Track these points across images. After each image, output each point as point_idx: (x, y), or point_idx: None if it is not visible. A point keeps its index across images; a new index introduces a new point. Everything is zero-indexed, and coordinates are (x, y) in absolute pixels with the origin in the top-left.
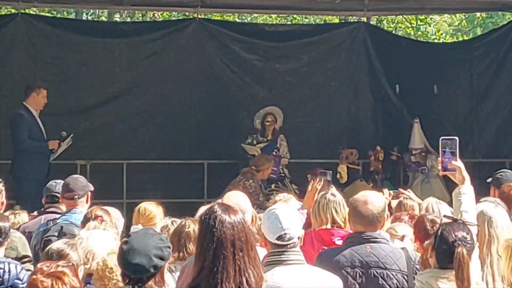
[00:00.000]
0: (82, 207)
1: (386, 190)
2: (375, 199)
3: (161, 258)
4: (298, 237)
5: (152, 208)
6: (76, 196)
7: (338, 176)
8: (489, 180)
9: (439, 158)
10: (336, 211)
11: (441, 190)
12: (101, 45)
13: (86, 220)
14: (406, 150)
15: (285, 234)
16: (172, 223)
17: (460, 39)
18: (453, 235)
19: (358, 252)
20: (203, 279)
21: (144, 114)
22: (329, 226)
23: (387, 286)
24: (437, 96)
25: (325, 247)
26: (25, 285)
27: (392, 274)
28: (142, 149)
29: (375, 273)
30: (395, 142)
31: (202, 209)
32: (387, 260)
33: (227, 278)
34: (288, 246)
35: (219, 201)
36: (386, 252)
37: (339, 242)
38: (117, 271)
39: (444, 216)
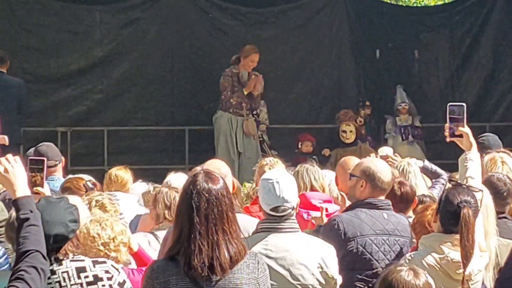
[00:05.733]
0: (59, 173)
1: (373, 154)
2: (388, 168)
3: (75, 221)
4: (293, 207)
5: (123, 174)
6: (54, 163)
7: (344, 135)
8: None
9: (446, 124)
10: (315, 178)
11: (420, 151)
12: (81, 12)
13: (69, 190)
14: (390, 113)
15: (279, 206)
16: (154, 189)
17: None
18: (458, 198)
19: (379, 220)
20: (180, 249)
21: (125, 80)
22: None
23: (403, 253)
24: (418, 61)
25: (303, 210)
26: (5, 266)
27: (406, 241)
28: (123, 116)
29: (394, 240)
30: (377, 107)
31: (169, 176)
32: (400, 227)
33: (200, 251)
34: (283, 217)
35: (204, 167)
36: (398, 219)
37: (321, 205)
38: (99, 240)
39: (450, 181)
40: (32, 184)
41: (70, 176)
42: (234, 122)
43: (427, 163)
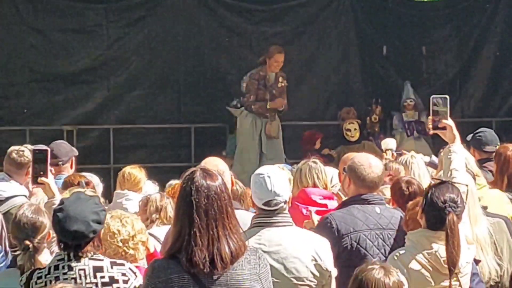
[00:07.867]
0: (67, 172)
1: (389, 152)
2: (377, 162)
3: (99, 222)
4: (285, 201)
5: (136, 173)
6: (60, 162)
7: (348, 133)
8: (468, 137)
9: (430, 117)
10: (318, 177)
11: (427, 146)
12: (87, 10)
13: (67, 186)
14: (397, 109)
15: (271, 200)
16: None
17: None
18: (442, 200)
19: (371, 215)
20: (180, 247)
21: (131, 79)
22: None
23: (398, 246)
24: (425, 57)
25: (302, 205)
26: (2, 264)
27: (401, 236)
28: (129, 114)
29: (389, 234)
30: (385, 103)
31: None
32: (394, 221)
33: (200, 247)
34: (276, 211)
35: (202, 165)
36: (392, 213)
37: (322, 202)
38: (118, 237)
39: (432, 178)
40: (36, 174)
41: (73, 173)
42: (258, 123)
43: (434, 158)
